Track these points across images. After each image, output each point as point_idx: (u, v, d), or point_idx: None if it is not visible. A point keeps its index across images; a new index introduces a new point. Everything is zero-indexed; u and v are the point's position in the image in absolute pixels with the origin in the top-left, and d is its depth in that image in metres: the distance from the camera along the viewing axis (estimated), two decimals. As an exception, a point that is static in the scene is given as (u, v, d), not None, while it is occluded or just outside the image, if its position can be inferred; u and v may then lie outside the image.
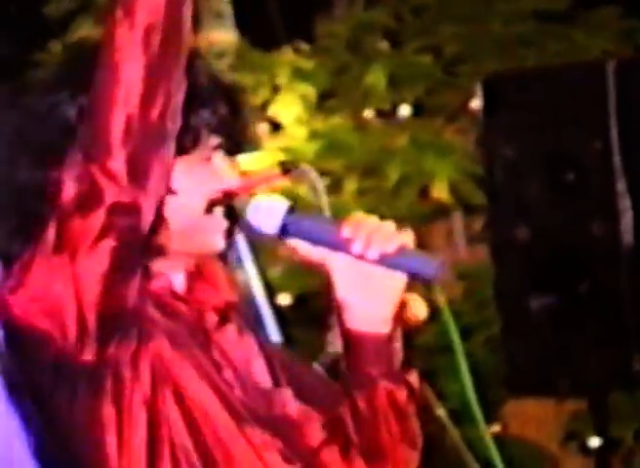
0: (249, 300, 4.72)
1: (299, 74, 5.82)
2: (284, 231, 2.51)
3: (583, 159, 5.16)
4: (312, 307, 5.84)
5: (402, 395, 2.62)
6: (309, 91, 5.72)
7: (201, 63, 2.62)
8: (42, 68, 6.33)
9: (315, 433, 2.71)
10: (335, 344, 2.98)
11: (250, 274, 4.70)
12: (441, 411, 4.59)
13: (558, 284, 5.29)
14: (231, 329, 2.65)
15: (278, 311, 4.75)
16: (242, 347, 2.68)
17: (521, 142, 5.54)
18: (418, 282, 2.55)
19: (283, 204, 2.55)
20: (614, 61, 5.22)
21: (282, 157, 5.46)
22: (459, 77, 6.38)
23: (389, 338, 2.57)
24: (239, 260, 4.49)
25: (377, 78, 5.95)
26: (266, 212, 2.53)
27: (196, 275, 2.67)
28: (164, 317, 2.56)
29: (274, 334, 4.68)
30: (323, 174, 5.07)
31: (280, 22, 6.67)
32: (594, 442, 5.95)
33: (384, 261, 2.47)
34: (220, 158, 2.60)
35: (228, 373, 2.60)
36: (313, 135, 5.74)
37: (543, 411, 6.56)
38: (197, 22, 5.85)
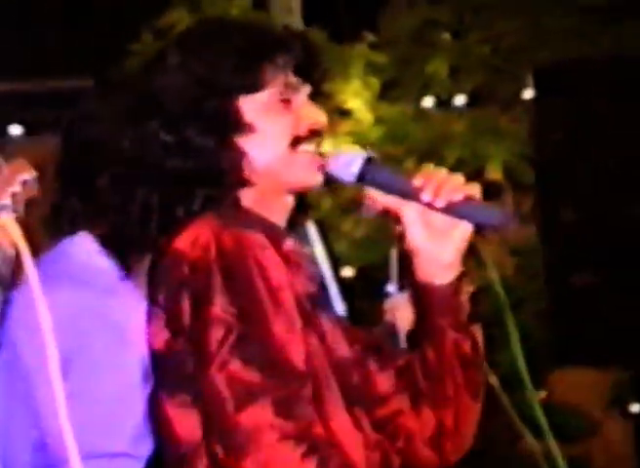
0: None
1: (370, 66, 6.01)
2: (361, 179, 2.70)
3: (626, 146, 5.47)
4: (374, 279, 6.00)
5: (467, 345, 2.79)
6: (375, 80, 5.94)
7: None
8: (135, 57, 6.23)
9: (387, 382, 2.86)
10: (391, 311, 3.35)
11: (317, 249, 4.90)
12: (493, 379, 4.76)
13: (601, 262, 5.57)
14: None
15: (342, 284, 5.01)
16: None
17: (568, 128, 5.81)
18: (483, 230, 2.75)
19: (361, 154, 2.72)
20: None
21: (349, 140, 5.69)
22: (513, 68, 6.50)
23: (456, 290, 2.76)
24: (306, 236, 4.70)
25: (438, 68, 6.14)
26: (346, 161, 2.71)
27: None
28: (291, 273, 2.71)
29: (339, 306, 4.86)
30: (385, 157, 5.47)
31: (347, 17, 6.68)
32: (635, 408, 6.29)
33: (451, 210, 2.65)
34: (302, 97, 2.79)
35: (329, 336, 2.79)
36: (378, 121, 5.95)
37: (588, 379, 6.79)
38: (267, 17, 6.09)
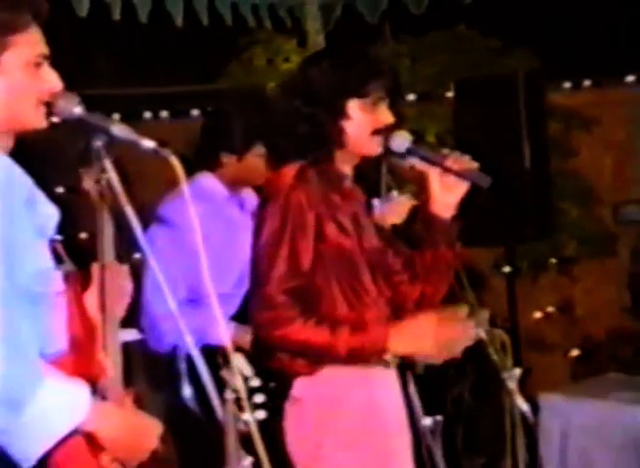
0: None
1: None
2: (408, 152, 3.69)
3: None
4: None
5: (450, 256, 3.83)
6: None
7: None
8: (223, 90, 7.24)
9: (398, 264, 3.87)
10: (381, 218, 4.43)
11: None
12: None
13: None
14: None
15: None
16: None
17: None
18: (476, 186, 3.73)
19: (410, 136, 3.67)
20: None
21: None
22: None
23: (452, 222, 3.79)
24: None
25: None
26: (400, 139, 3.66)
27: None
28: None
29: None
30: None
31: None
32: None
33: (460, 174, 3.68)
34: (383, 104, 3.68)
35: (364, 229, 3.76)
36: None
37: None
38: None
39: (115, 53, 7.34)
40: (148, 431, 3.02)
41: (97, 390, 2.90)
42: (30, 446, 2.71)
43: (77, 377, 2.87)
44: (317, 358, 3.50)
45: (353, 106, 3.61)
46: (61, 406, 2.76)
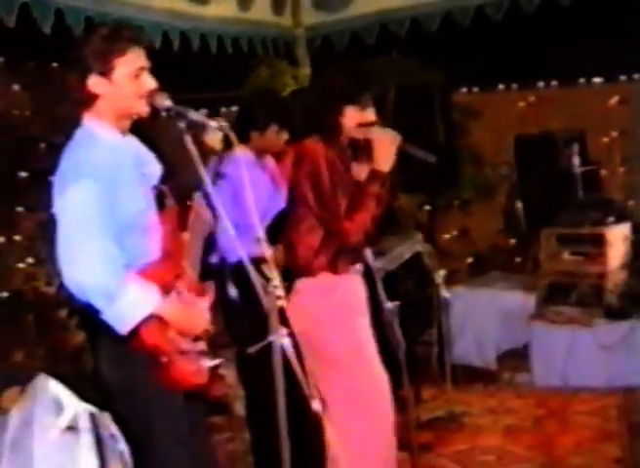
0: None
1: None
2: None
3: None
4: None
5: (385, 193, 3.56)
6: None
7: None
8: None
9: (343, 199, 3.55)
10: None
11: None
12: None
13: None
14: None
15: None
16: None
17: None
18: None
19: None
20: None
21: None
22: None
23: (388, 174, 3.54)
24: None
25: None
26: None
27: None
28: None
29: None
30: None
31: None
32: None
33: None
34: (370, 110, 3.62)
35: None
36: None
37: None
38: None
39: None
40: (200, 316, 3.08)
41: (176, 287, 2.99)
42: (123, 322, 2.84)
43: (167, 277, 2.97)
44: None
45: (351, 110, 3.56)
46: (141, 298, 2.86)
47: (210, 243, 4.11)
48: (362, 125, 3.53)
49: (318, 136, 3.54)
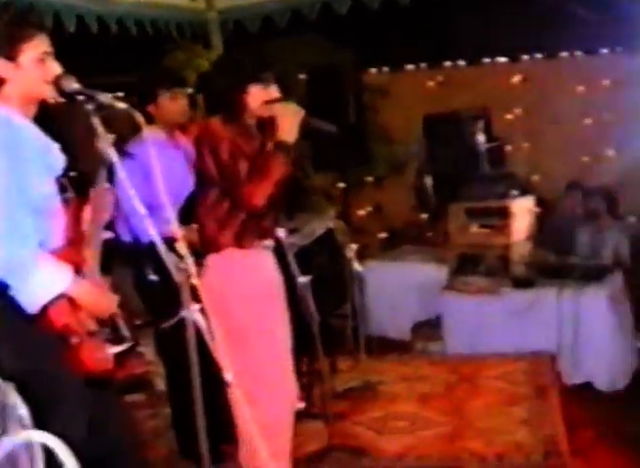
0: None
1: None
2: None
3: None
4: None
5: (289, 163, 3.45)
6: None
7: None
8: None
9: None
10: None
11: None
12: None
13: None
14: None
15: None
16: None
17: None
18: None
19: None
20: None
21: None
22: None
23: (294, 145, 3.47)
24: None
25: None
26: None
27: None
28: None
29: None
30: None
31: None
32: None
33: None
34: (274, 88, 3.55)
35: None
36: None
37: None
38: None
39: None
40: (108, 299, 3.02)
41: (80, 273, 2.93)
42: (33, 299, 2.76)
43: (72, 263, 2.90)
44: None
45: (254, 89, 3.52)
46: (53, 277, 2.80)
47: (120, 224, 4.12)
48: (267, 102, 3.51)
49: (222, 116, 3.52)
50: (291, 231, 4.56)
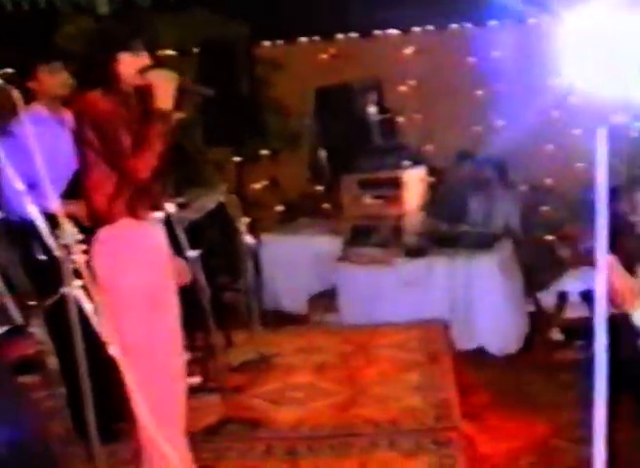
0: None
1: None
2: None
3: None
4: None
5: (168, 131, 3.39)
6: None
7: None
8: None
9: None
10: None
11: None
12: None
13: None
14: None
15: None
16: None
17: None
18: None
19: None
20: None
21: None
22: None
23: (172, 111, 3.44)
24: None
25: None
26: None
27: None
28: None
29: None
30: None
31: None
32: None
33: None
34: (144, 55, 3.47)
35: None
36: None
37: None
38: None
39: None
40: None
41: None
42: None
43: None
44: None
45: (122, 56, 3.47)
46: None
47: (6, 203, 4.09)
48: (140, 71, 3.46)
49: (98, 87, 3.45)
50: (181, 205, 4.56)
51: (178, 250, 3.92)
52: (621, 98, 2.21)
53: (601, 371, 2.26)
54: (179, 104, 3.49)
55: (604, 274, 2.30)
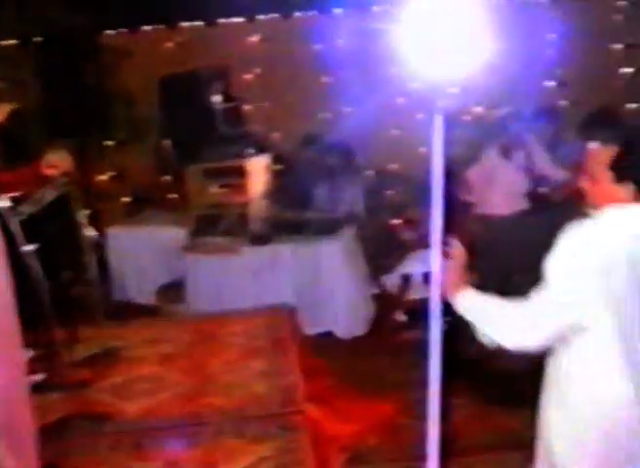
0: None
1: None
2: None
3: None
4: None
5: None
6: None
7: None
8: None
9: None
10: None
11: None
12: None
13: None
14: None
15: None
16: None
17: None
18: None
19: None
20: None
21: None
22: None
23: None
24: None
25: None
26: None
27: None
28: None
29: None
30: None
31: None
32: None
33: None
34: None
35: None
36: None
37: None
38: None
39: None
40: None
41: None
42: None
43: None
44: None
45: None
46: None
47: None
48: None
49: None
50: (17, 199, 4.46)
51: (11, 244, 3.82)
52: (458, 83, 2.31)
53: (436, 351, 2.43)
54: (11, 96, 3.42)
55: (439, 257, 2.50)
